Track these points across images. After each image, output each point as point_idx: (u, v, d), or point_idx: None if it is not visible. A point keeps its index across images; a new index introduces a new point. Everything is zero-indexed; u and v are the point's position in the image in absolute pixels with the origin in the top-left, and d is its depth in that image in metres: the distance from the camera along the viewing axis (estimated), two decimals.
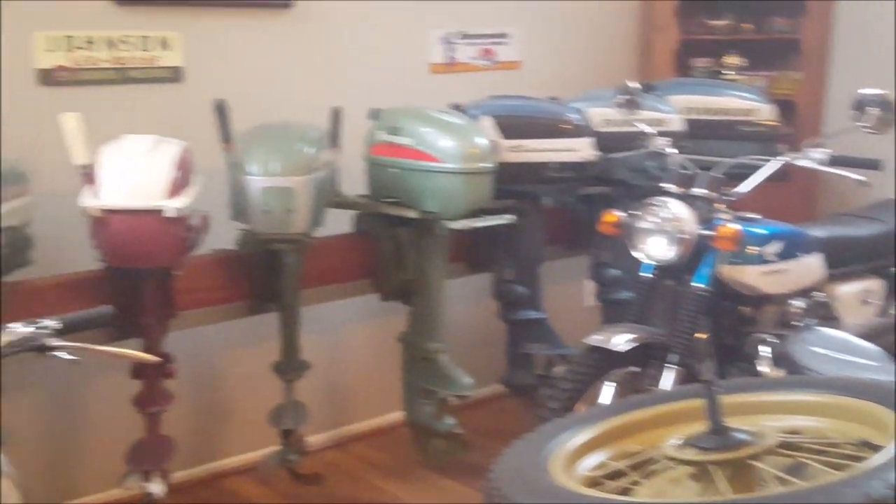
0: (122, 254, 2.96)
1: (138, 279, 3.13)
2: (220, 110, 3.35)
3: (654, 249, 3.28)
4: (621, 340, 3.11)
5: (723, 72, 4.95)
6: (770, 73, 5.03)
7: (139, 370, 3.21)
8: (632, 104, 3.65)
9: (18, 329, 1.97)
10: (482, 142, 3.52)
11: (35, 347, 1.97)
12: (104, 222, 2.89)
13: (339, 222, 3.74)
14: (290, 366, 3.58)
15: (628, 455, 2.08)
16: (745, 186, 3.36)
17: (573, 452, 2.05)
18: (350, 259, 3.81)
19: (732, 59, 4.94)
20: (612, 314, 4.09)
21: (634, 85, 3.67)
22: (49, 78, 3.35)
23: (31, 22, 3.31)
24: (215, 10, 3.70)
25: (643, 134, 3.63)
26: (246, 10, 3.77)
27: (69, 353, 1.99)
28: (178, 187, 2.96)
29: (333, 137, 3.55)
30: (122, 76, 3.49)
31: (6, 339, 1.95)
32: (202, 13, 3.67)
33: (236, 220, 3.43)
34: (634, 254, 3.34)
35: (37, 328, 1.98)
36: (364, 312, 4.19)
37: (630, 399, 2.50)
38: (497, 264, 4.05)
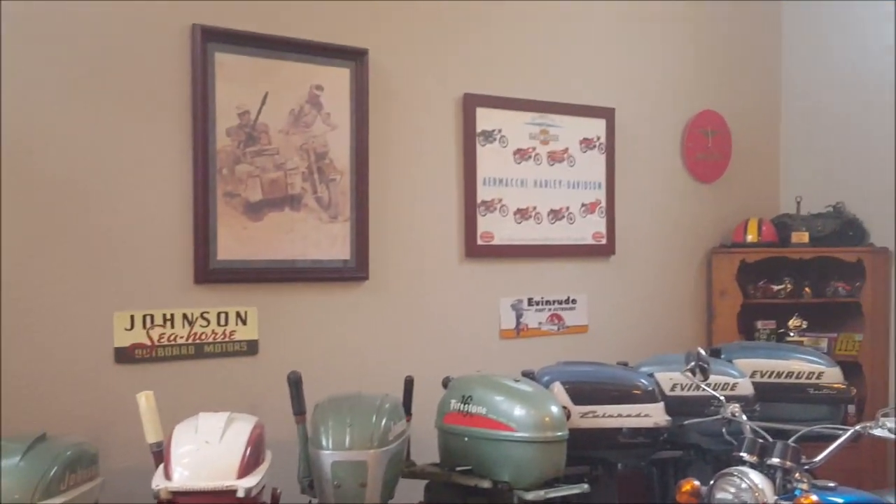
0: None
1: None
2: (293, 382, 3.25)
3: None
4: None
5: (787, 334, 4.78)
6: (832, 335, 4.88)
7: None
8: (701, 370, 3.47)
9: None
10: (555, 410, 3.33)
11: None
12: None
13: (409, 492, 3.50)
14: None
15: None
16: (822, 457, 3.11)
17: None
18: None
19: (796, 322, 4.76)
20: None
21: (702, 351, 3.50)
22: (126, 356, 3.28)
23: (111, 303, 3.27)
24: (290, 285, 3.66)
25: (714, 399, 3.44)
26: (320, 283, 3.72)
27: None
28: (249, 465, 2.79)
29: (406, 407, 3.44)
30: (198, 351, 3.41)
31: None
32: (277, 288, 3.63)
33: (307, 493, 3.24)
34: None
35: None
36: None
37: None
38: None
